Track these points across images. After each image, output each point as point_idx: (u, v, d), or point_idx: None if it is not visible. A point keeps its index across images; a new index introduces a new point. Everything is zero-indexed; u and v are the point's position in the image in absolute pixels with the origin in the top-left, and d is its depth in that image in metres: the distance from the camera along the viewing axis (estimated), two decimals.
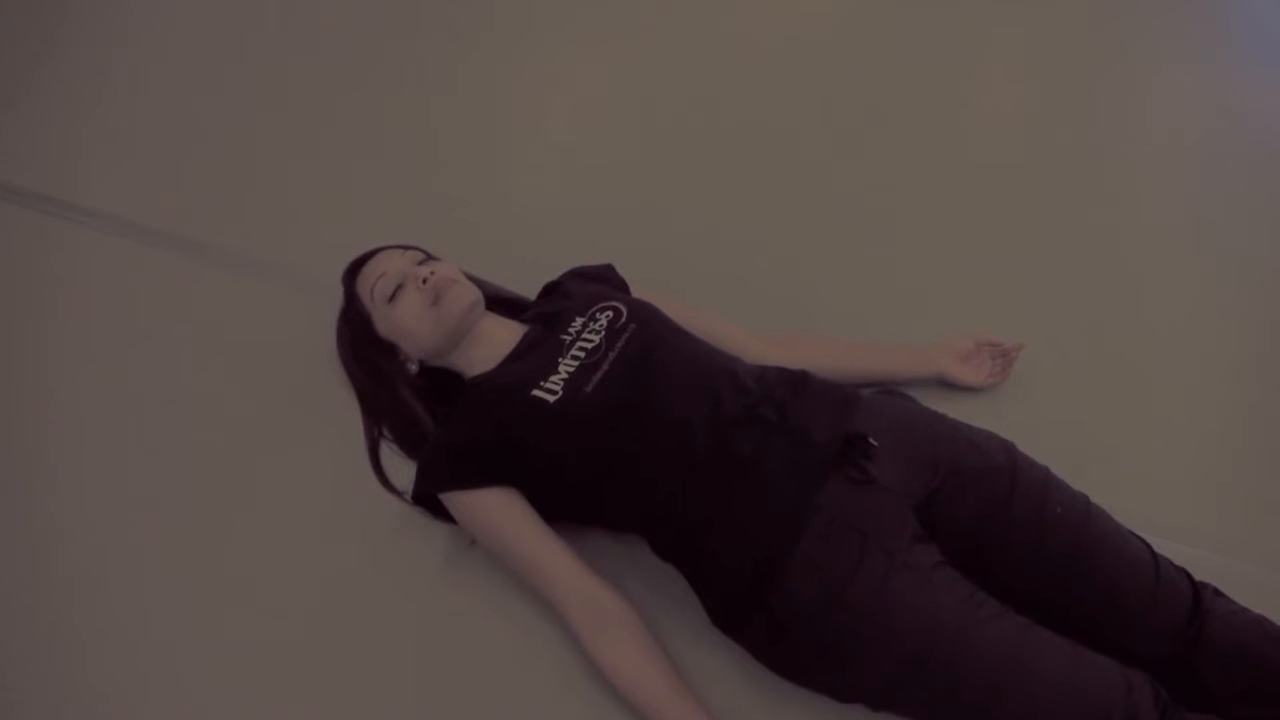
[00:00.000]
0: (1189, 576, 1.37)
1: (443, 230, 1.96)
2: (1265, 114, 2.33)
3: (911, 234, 2.12)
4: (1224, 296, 1.98)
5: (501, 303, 1.78)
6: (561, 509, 1.53)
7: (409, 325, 1.61)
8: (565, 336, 1.55)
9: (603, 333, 1.53)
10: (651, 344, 1.52)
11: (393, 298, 1.61)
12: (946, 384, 1.79)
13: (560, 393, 1.45)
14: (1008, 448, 1.45)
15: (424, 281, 1.60)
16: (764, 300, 1.96)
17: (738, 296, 1.91)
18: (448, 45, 2.64)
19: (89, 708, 1.55)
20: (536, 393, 1.46)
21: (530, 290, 1.81)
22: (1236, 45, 2.54)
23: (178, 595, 1.64)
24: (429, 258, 1.71)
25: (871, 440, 1.37)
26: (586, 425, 1.43)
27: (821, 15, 2.69)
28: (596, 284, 1.74)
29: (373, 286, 1.64)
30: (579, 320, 1.58)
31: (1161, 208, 2.15)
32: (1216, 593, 1.37)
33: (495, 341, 1.63)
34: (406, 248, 1.71)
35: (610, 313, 1.57)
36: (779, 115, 2.39)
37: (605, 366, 1.48)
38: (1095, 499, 1.42)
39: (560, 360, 1.50)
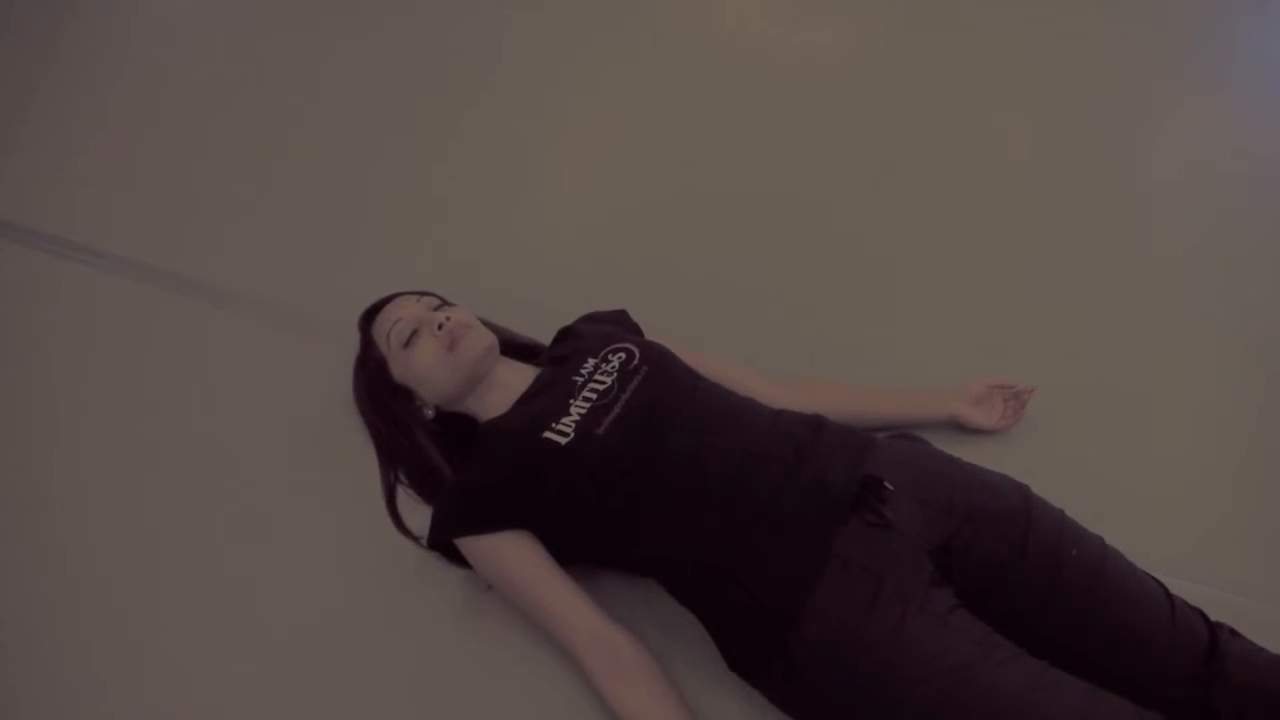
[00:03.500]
0: (1205, 617, 1.36)
1: (457, 277, 1.97)
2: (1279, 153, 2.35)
3: (923, 278, 2.13)
4: (1238, 336, 1.98)
5: (516, 348, 1.79)
6: (575, 551, 1.52)
7: (425, 370, 1.62)
8: (577, 378, 1.55)
9: (615, 374, 1.54)
10: (664, 386, 1.53)
11: (409, 343, 1.63)
12: (960, 427, 1.79)
13: (571, 434, 1.45)
14: (1022, 490, 1.45)
15: (439, 327, 1.61)
16: (777, 346, 1.95)
17: (750, 343, 1.91)
18: (461, 90, 2.67)
19: None
20: (548, 435, 1.46)
21: (544, 337, 1.82)
22: (1249, 85, 2.55)
23: (190, 640, 1.64)
24: (444, 303, 1.72)
25: (887, 484, 1.38)
26: (598, 467, 1.44)
27: (833, 63, 2.72)
28: (610, 327, 1.75)
29: (389, 332, 1.66)
30: (591, 362, 1.58)
31: (1174, 248, 2.16)
32: (1233, 633, 1.36)
33: (510, 386, 1.64)
34: (422, 293, 1.73)
35: (623, 354, 1.58)
36: (790, 163, 2.41)
37: (617, 408, 1.48)
38: (1110, 540, 1.42)
39: (572, 402, 1.51)
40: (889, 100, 2.57)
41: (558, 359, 1.66)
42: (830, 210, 2.29)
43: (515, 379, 1.65)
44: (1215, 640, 1.33)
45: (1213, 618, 1.37)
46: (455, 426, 1.69)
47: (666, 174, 2.41)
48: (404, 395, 1.68)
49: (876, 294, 2.11)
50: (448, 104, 2.64)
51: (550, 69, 2.73)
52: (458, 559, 1.56)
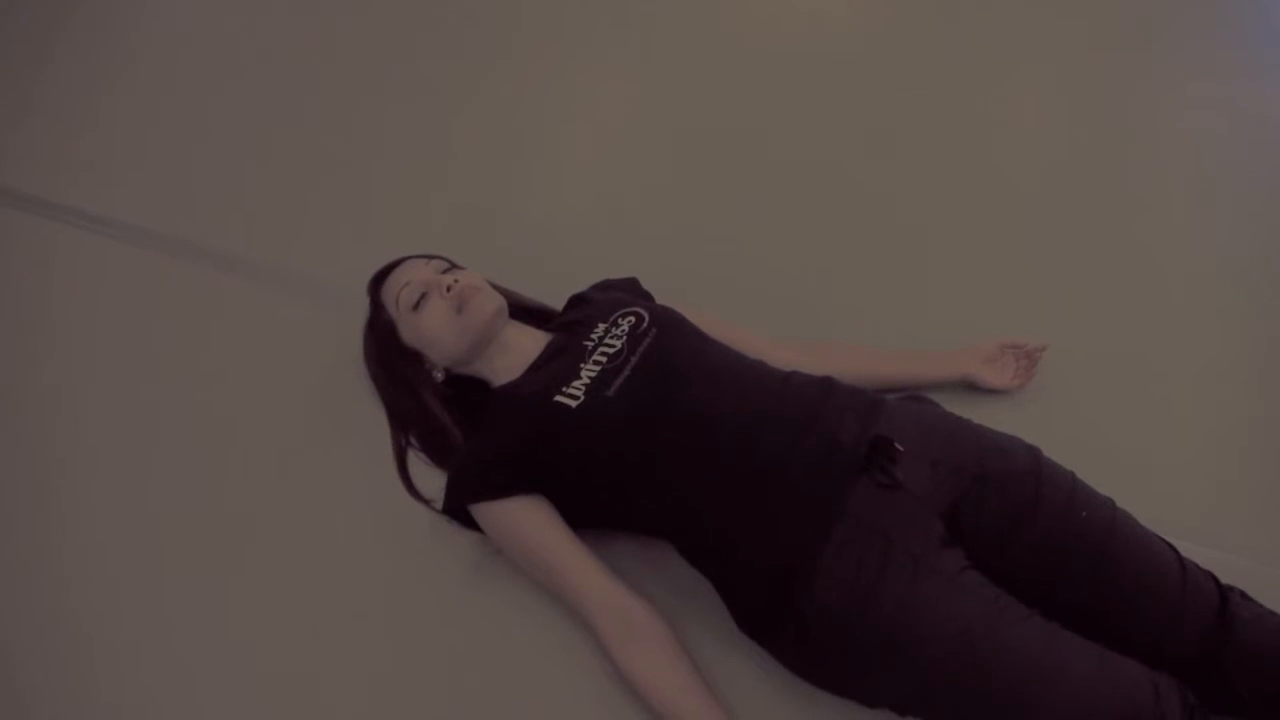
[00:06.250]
0: (1215, 579, 1.36)
1: (468, 244, 1.96)
2: None
3: (934, 241, 2.12)
4: (1251, 300, 1.97)
5: (526, 312, 1.80)
6: (588, 515, 1.53)
7: (434, 333, 1.62)
8: (588, 343, 1.56)
9: (624, 337, 1.54)
10: (674, 348, 1.53)
11: (417, 306, 1.63)
12: (971, 387, 1.78)
13: (582, 397, 1.46)
14: (1033, 452, 1.44)
15: (448, 289, 1.61)
16: (789, 312, 1.95)
17: (763, 309, 1.91)
18: (473, 56, 2.65)
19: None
20: (559, 399, 1.47)
21: (557, 305, 1.82)
22: (1262, 54, 2.52)
23: (201, 607, 1.65)
24: (453, 266, 1.72)
25: (897, 444, 1.38)
26: (609, 429, 1.44)
27: (848, 30, 2.69)
28: (620, 294, 1.75)
29: (397, 295, 1.66)
30: (601, 326, 1.58)
31: (1185, 212, 2.14)
32: (1244, 596, 1.36)
33: (520, 350, 1.64)
34: (431, 257, 1.73)
35: (632, 318, 1.58)
36: (804, 132, 2.39)
37: (627, 371, 1.48)
38: (1121, 502, 1.41)
39: (582, 366, 1.51)
40: (902, 66, 2.54)
41: (569, 325, 1.66)
42: (841, 176, 2.27)
43: (526, 342, 1.66)
44: (1226, 603, 1.33)
45: (1224, 581, 1.37)
46: (466, 390, 1.69)
47: (680, 142, 2.40)
48: (414, 358, 1.68)
49: (888, 258, 2.10)
50: (461, 70, 2.63)
51: (564, 37, 2.71)
52: (472, 524, 1.56)
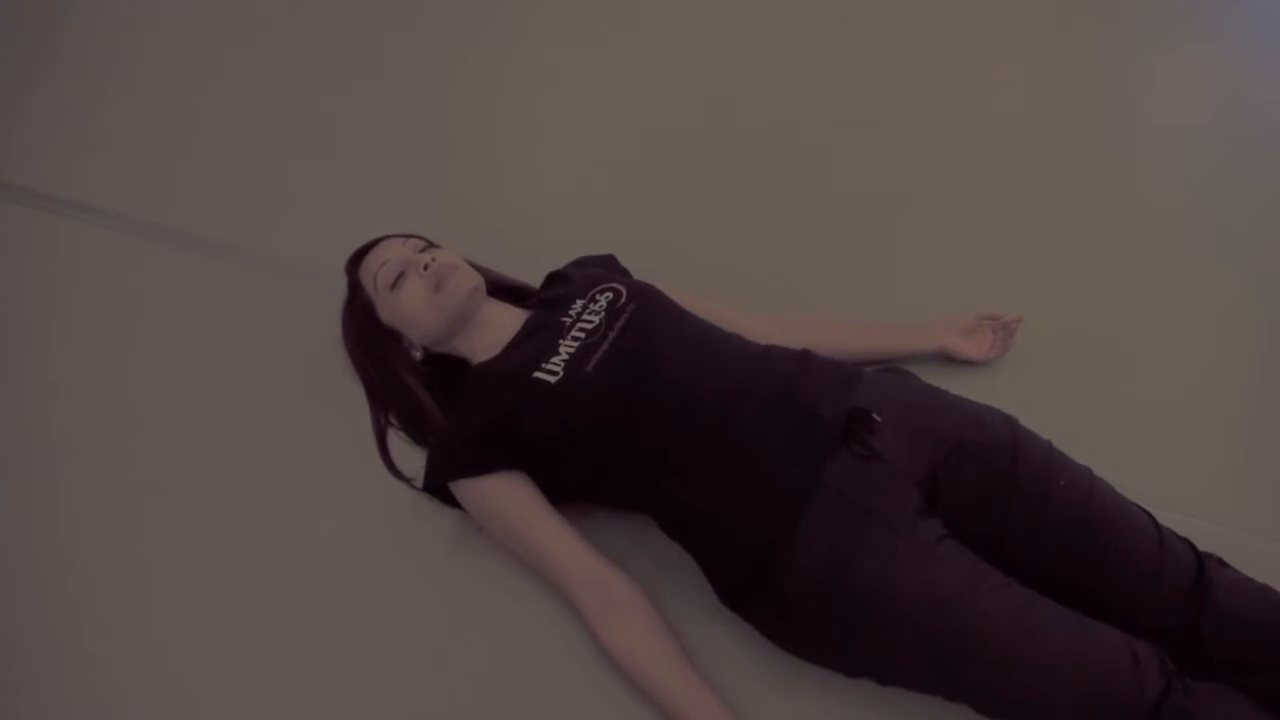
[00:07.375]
0: (1192, 546, 1.37)
1: (446, 222, 1.96)
2: (1270, 100, 2.31)
3: (912, 215, 2.12)
4: (1227, 272, 1.98)
5: (505, 290, 1.79)
6: (568, 489, 1.53)
7: (412, 312, 1.62)
8: (566, 319, 1.55)
9: (602, 313, 1.54)
10: (652, 322, 1.52)
11: (395, 285, 1.63)
12: (949, 359, 1.79)
13: (561, 373, 1.45)
14: (1010, 422, 1.45)
15: (425, 268, 1.61)
16: (768, 286, 1.95)
17: (742, 284, 1.91)
18: (454, 39, 2.63)
19: (98, 706, 1.56)
20: (538, 374, 1.46)
21: (535, 282, 1.81)
22: (1241, 32, 2.52)
23: (185, 587, 1.65)
24: (430, 245, 1.72)
25: (875, 416, 1.38)
26: (588, 404, 1.44)
27: (825, 7, 2.68)
28: (598, 270, 1.74)
29: (375, 275, 1.65)
30: (579, 302, 1.58)
31: (1164, 186, 2.15)
32: (1221, 563, 1.37)
33: (499, 328, 1.64)
34: (408, 236, 1.73)
35: (610, 294, 1.58)
36: (784, 108, 2.38)
37: (605, 346, 1.48)
38: (1098, 471, 1.42)
39: (561, 342, 1.51)
40: (885, 44, 2.53)
41: (547, 302, 1.66)
42: (821, 152, 2.27)
43: (504, 320, 1.65)
44: (1203, 569, 1.34)
45: (1201, 548, 1.38)
46: (445, 368, 1.69)
47: (659, 121, 2.39)
48: (392, 337, 1.68)
49: (866, 231, 2.10)
50: (442, 52, 2.60)
51: (547, 16, 2.68)
52: (453, 502, 1.57)
